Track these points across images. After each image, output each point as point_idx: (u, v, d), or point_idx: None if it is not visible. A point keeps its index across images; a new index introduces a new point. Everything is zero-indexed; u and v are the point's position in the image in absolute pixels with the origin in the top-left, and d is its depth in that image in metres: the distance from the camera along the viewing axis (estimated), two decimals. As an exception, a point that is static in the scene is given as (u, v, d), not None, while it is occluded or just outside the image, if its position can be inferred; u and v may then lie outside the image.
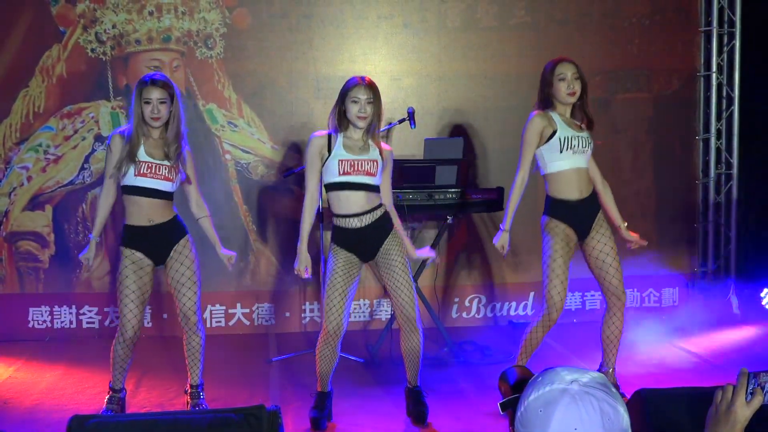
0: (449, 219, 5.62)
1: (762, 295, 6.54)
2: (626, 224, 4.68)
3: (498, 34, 6.50)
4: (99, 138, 6.21)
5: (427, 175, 5.51)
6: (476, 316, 6.59)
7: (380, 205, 4.27)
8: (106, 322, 6.24)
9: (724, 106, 6.80)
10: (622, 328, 4.62)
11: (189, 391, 4.50)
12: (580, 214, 4.46)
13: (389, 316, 5.83)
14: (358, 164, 4.19)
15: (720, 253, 6.86)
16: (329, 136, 4.24)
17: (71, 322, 6.25)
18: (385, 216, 4.28)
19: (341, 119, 4.23)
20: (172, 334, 6.04)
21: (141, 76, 4.33)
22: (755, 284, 6.60)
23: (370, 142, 4.25)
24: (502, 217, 4.53)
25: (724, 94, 6.79)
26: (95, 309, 6.25)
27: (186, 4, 6.23)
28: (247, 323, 6.40)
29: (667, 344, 5.89)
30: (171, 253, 4.33)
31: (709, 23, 6.75)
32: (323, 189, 4.32)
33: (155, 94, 4.22)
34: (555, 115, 4.42)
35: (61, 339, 6.15)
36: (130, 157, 4.22)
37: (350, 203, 4.20)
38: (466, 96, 6.51)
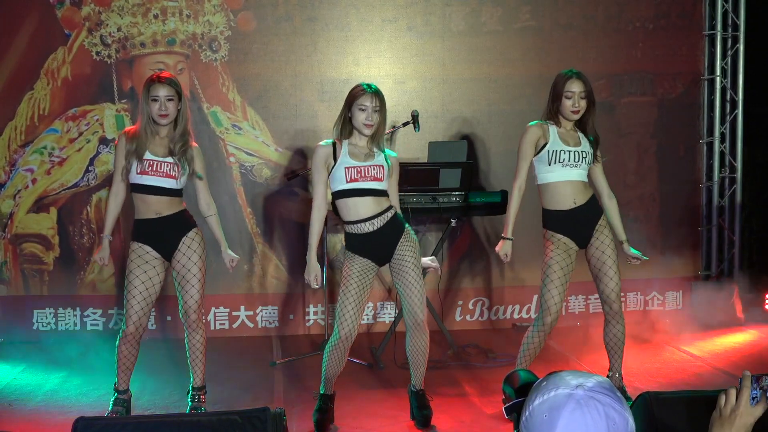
0: (453, 222, 5.63)
1: (766, 298, 6.54)
2: (628, 240, 4.64)
3: (502, 38, 6.51)
4: (103, 140, 6.23)
5: (431, 178, 5.51)
6: (479, 319, 6.59)
7: (390, 207, 4.28)
8: (111, 324, 6.25)
9: (727, 110, 6.80)
10: (624, 333, 4.62)
11: (190, 393, 4.51)
12: (576, 222, 4.46)
13: (392, 319, 5.83)
14: (365, 170, 4.20)
15: (724, 256, 6.85)
16: (334, 144, 4.25)
17: (75, 324, 6.26)
18: (397, 217, 4.29)
19: (345, 126, 4.24)
20: (176, 337, 6.04)
21: (146, 78, 4.36)
22: (759, 287, 6.60)
23: (375, 149, 4.26)
24: (506, 220, 4.55)
25: (728, 97, 6.78)
26: (99, 311, 6.26)
27: (191, 7, 6.24)
28: (251, 326, 6.41)
29: (671, 347, 5.89)
30: (179, 246, 4.34)
31: (713, 27, 6.75)
32: (331, 197, 4.33)
33: (163, 91, 4.24)
34: (552, 128, 4.46)
35: (66, 341, 6.15)
36: (137, 155, 4.25)
37: (359, 209, 4.21)
38: (470, 99, 6.52)
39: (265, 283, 6.42)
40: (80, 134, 6.22)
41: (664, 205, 6.79)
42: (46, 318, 6.25)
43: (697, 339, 6.10)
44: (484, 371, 5.41)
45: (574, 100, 4.40)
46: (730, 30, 6.75)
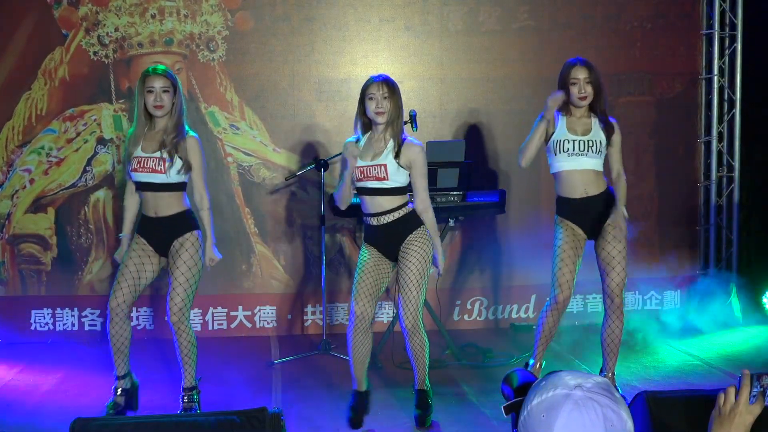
0: (451, 222, 5.63)
1: (764, 297, 6.54)
2: (622, 211, 4.60)
3: (500, 38, 6.50)
4: (101, 141, 6.22)
5: (429, 178, 5.49)
6: (478, 318, 6.59)
7: (403, 206, 4.29)
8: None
9: (725, 109, 6.80)
10: (621, 330, 4.63)
11: (181, 394, 4.50)
12: (584, 212, 4.54)
13: (391, 319, 5.83)
14: (367, 170, 4.26)
15: (722, 255, 6.85)
16: (357, 140, 4.31)
17: (73, 325, 6.25)
18: (408, 216, 4.30)
19: (360, 120, 4.32)
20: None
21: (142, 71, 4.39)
22: (757, 287, 6.60)
23: (392, 142, 4.25)
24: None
25: (726, 96, 6.78)
26: (97, 311, 6.25)
27: (188, 7, 6.23)
28: (249, 326, 6.40)
29: (669, 347, 5.89)
30: (174, 245, 4.35)
31: (710, 26, 6.75)
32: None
33: (158, 82, 4.25)
34: (561, 118, 4.54)
35: (63, 341, 6.15)
36: (130, 153, 4.33)
37: (368, 205, 4.31)
38: (468, 99, 6.51)
39: (262, 283, 6.41)
40: (78, 134, 6.22)
41: (662, 205, 6.79)
42: (44, 318, 6.24)
43: (694, 338, 6.11)
44: (482, 370, 5.41)
45: (579, 86, 4.47)
46: (727, 29, 6.75)
